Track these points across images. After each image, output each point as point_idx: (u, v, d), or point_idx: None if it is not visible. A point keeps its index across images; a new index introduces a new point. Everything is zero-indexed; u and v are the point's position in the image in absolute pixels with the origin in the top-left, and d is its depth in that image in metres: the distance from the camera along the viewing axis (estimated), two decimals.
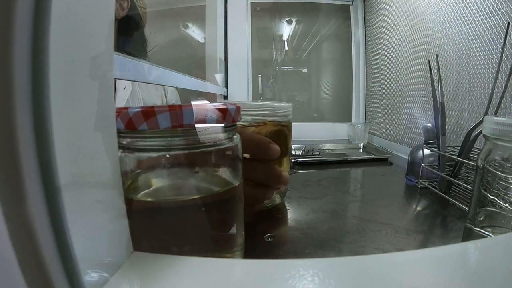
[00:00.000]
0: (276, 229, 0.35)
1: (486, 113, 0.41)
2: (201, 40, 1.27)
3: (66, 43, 0.12)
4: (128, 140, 0.20)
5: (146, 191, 0.21)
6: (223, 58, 1.14)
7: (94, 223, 0.14)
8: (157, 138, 0.20)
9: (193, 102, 0.20)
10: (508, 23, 0.44)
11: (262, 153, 0.30)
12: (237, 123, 0.23)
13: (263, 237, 0.33)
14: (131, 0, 0.79)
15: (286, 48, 1.27)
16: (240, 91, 1.15)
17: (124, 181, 0.20)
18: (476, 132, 0.41)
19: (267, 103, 0.37)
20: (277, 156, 0.30)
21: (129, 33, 0.83)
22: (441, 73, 0.54)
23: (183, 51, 1.27)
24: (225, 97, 1.13)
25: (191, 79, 0.72)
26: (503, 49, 0.41)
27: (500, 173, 0.23)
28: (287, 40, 1.26)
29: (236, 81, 1.14)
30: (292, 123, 0.41)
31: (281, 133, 0.38)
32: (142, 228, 0.19)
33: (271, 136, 0.36)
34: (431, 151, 0.48)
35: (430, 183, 0.48)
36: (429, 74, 0.52)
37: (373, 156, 0.75)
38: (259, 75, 1.20)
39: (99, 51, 0.14)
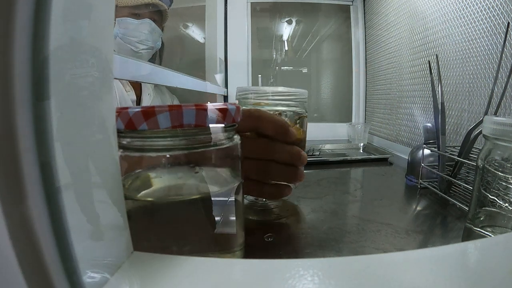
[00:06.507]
0: (276, 229, 0.35)
1: (486, 113, 0.41)
2: (201, 40, 1.27)
3: (66, 43, 0.12)
4: (128, 140, 0.20)
5: (146, 191, 0.21)
6: (223, 58, 1.14)
7: (94, 223, 0.14)
8: (157, 138, 0.20)
9: (192, 102, 0.20)
10: (508, 23, 0.44)
11: (282, 135, 0.33)
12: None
13: (263, 237, 0.33)
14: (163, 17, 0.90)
15: (286, 48, 1.27)
16: None
17: (124, 181, 0.20)
18: (476, 132, 0.41)
19: (280, 88, 0.38)
20: (294, 139, 0.34)
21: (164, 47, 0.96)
22: (441, 73, 0.54)
23: (183, 51, 1.27)
24: (225, 97, 1.13)
25: (191, 79, 0.72)
26: (503, 49, 0.41)
27: (500, 173, 0.23)
28: (287, 40, 1.26)
29: (236, 81, 1.14)
30: None
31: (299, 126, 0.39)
32: (142, 228, 0.19)
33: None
34: (431, 151, 0.48)
35: (430, 183, 0.48)
36: (429, 74, 0.52)
37: (373, 156, 0.75)
38: (259, 75, 1.20)
39: (100, 50, 0.14)
